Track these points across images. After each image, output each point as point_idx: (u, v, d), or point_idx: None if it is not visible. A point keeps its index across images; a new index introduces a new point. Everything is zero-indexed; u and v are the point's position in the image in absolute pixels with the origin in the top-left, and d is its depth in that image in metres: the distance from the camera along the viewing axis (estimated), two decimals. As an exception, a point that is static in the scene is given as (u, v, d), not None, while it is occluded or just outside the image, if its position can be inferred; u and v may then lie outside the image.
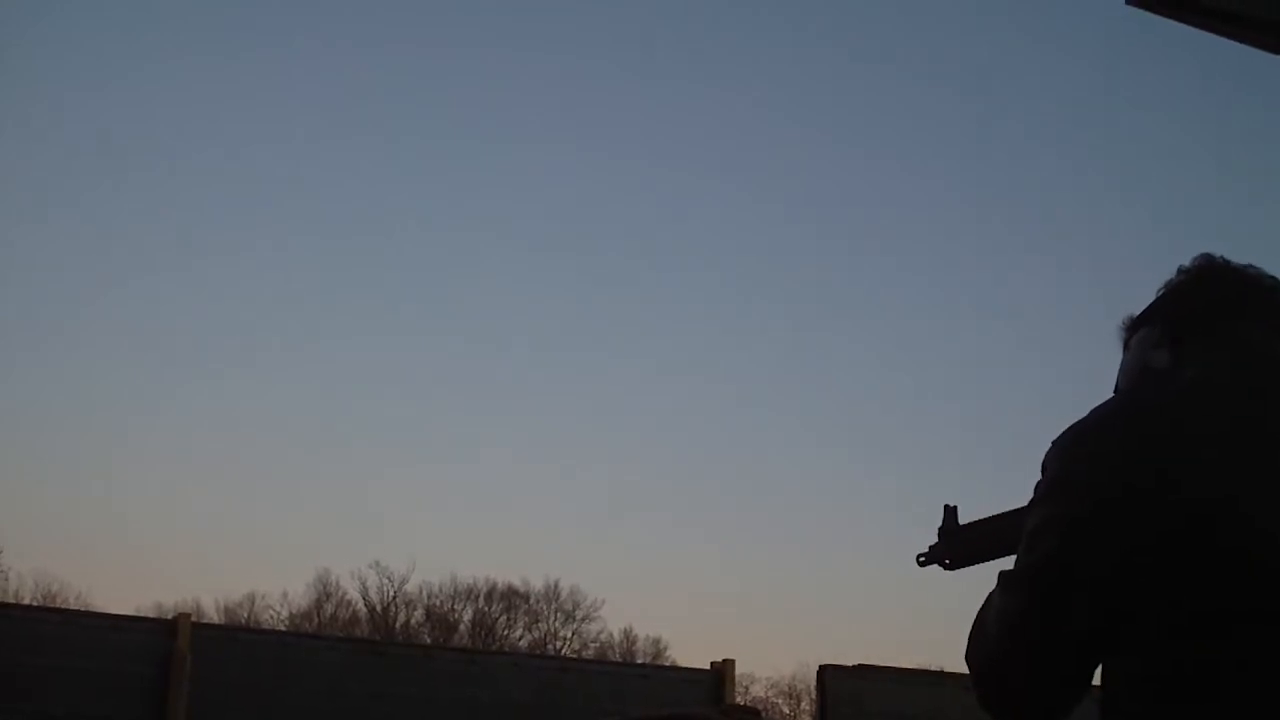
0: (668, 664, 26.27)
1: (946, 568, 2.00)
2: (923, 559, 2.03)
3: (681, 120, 49.68)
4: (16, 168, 43.64)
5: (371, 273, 50.19)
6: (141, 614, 14.85)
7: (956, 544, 1.98)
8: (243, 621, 37.90)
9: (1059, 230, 46.33)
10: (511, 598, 43.03)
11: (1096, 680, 1.57)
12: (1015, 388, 48.37)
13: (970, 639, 1.63)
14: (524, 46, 49.23)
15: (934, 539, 2.01)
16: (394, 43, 48.39)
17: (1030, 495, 1.60)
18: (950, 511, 2.00)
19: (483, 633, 41.75)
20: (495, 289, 49.42)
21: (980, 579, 1.90)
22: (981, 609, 1.63)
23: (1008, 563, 1.63)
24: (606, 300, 50.37)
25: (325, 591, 42.18)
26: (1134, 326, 1.77)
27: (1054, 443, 1.58)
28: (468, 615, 43.13)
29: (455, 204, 49.55)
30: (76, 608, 25.72)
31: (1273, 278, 1.70)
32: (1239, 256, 1.71)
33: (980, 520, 1.95)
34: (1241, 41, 3.26)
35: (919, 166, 49.88)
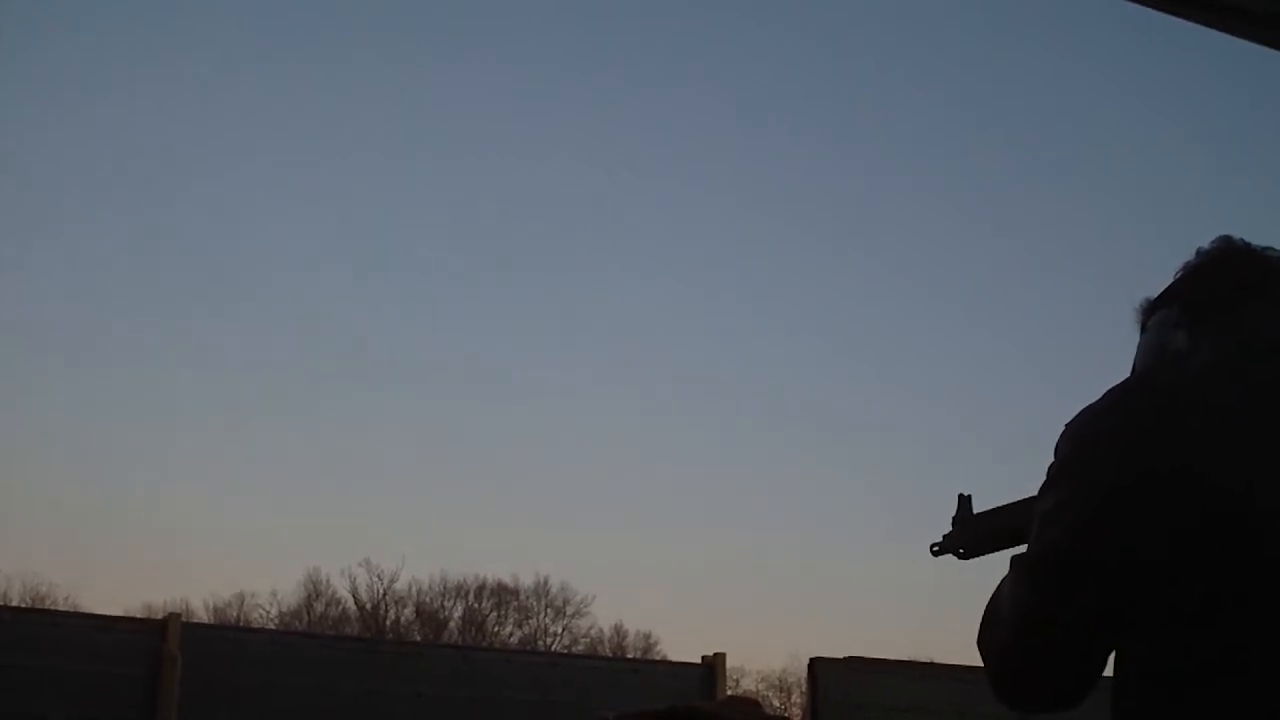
0: (658, 658, 26.34)
1: (961, 557, 1.98)
2: (937, 549, 2.01)
3: (673, 120, 49.64)
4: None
5: (357, 273, 50.09)
6: (130, 614, 14.80)
7: (971, 533, 1.96)
8: (232, 621, 37.86)
9: (1062, 219, 46.28)
10: (502, 594, 42.99)
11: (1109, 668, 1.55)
12: (1005, 379, 48.41)
13: (982, 625, 1.61)
14: (519, 54, 49.05)
15: (948, 528, 1.99)
16: (393, 60, 48.24)
17: (1039, 482, 1.57)
18: (964, 500, 1.98)
19: (473, 630, 41.70)
20: (474, 283, 49.30)
21: (980, 570, 1.89)
22: (994, 595, 1.61)
23: (1021, 551, 1.60)
24: (590, 295, 50.29)
25: (315, 590, 42.07)
26: (1152, 308, 1.75)
27: (1067, 425, 1.55)
28: (458, 612, 43.11)
29: (438, 209, 49.49)
30: (65, 609, 25.54)
31: None
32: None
33: (995, 509, 1.92)
34: (1243, 37, 3.19)
35: (907, 162, 49.85)
